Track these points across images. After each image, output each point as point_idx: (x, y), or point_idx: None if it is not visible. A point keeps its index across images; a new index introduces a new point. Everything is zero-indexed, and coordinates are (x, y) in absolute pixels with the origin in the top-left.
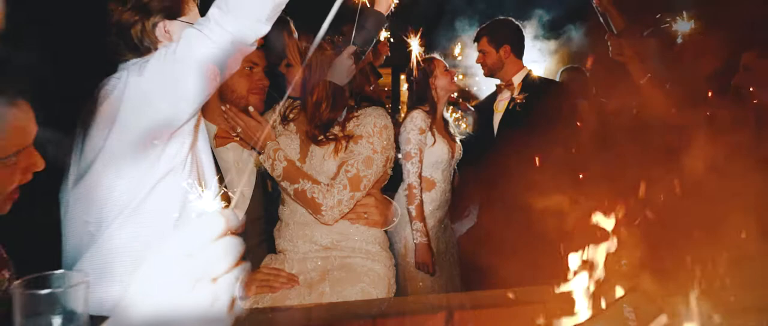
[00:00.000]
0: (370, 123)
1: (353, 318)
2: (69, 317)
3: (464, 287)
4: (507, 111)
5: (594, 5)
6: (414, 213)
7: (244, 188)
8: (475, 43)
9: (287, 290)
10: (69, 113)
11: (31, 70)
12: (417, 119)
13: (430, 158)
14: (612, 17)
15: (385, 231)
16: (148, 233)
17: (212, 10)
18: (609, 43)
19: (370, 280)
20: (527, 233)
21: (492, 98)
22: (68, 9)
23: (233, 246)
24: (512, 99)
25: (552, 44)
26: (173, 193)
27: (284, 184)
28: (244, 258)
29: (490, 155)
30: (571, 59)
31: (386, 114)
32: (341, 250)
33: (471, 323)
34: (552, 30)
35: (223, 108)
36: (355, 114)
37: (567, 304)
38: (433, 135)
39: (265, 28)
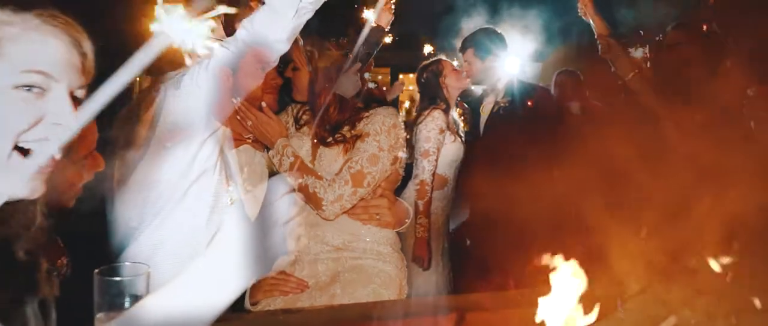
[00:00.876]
0: (379, 122)
1: (363, 319)
2: (135, 298)
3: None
4: (491, 113)
5: (580, 13)
6: (421, 208)
7: (256, 190)
8: (461, 53)
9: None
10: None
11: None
12: (438, 119)
13: (448, 156)
14: (596, 24)
15: (397, 233)
16: (185, 229)
17: (239, 31)
18: (598, 42)
19: (381, 281)
20: (509, 237)
21: (478, 100)
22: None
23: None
24: (496, 102)
25: (548, 46)
26: (206, 193)
27: (289, 180)
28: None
29: (476, 154)
30: (567, 61)
31: (395, 113)
32: (352, 251)
33: (482, 325)
34: (548, 32)
35: (234, 101)
36: (365, 115)
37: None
38: (452, 134)
39: (285, 47)
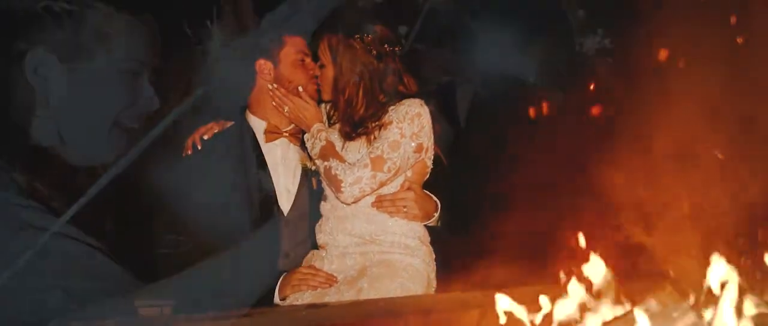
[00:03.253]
0: (403, 111)
1: (387, 314)
2: None
3: None
4: (471, 105)
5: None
6: None
7: (289, 184)
8: (437, 49)
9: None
10: None
11: None
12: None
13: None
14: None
15: (426, 226)
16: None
17: (265, 24)
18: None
19: (408, 275)
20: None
21: (452, 90)
22: None
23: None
24: (476, 93)
25: (527, 37)
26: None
27: (318, 162)
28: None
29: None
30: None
31: (421, 104)
32: (380, 244)
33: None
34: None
35: (271, 87)
36: (391, 107)
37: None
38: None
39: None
